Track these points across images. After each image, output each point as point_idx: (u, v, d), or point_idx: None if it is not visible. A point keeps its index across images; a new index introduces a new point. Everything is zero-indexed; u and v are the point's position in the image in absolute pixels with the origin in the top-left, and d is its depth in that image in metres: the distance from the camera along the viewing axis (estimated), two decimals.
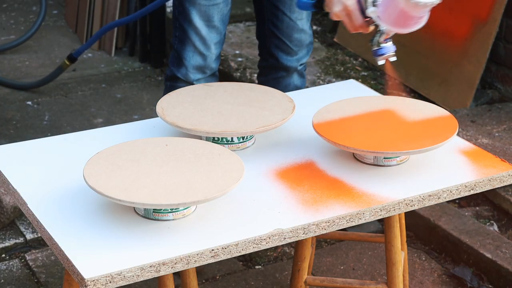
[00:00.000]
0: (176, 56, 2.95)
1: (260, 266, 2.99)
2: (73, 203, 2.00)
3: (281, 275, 2.94)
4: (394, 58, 2.25)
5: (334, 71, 4.21)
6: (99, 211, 1.97)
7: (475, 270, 2.93)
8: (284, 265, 2.99)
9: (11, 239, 3.08)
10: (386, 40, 2.20)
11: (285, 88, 3.13)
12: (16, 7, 5.38)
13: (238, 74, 4.19)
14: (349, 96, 2.53)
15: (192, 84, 2.92)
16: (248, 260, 3.02)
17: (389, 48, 2.22)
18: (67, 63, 4.23)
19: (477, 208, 3.23)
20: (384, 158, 2.17)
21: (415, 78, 4.03)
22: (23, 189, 2.06)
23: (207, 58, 2.90)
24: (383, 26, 2.16)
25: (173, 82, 2.97)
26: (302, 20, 2.99)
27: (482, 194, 3.26)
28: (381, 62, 2.25)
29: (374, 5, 2.17)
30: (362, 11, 2.19)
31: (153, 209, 1.93)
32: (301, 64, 3.09)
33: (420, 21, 2.12)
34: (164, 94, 2.99)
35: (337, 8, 2.22)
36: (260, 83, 3.18)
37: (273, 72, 3.10)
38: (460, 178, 2.14)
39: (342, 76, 4.15)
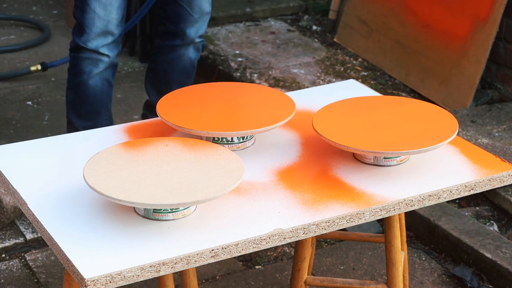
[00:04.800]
0: (77, 26, 2.93)
1: (260, 266, 2.99)
2: (73, 203, 2.00)
3: (281, 275, 2.93)
4: None
5: (334, 71, 4.21)
6: (99, 211, 1.97)
7: (475, 270, 2.93)
8: (284, 265, 2.99)
9: (11, 239, 3.08)
10: None
11: (179, 58, 3.17)
12: (16, 7, 5.38)
13: (238, 74, 4.19)
14: (349, 96, 2.53)
15: (95, 52, 2.91)
16: (248, 260, 3.02)
17: None
18: (38, 68, 4.28)
19: (477, 208, 3.23)
20: (384, 158, 2.17)
21: (415, 78, 4.03)
22: (23, 189, 2.06)
23: (108, 23, 2.90)
24: None
25: (76, 53, 2.94)
26: None
27: (482, 194, 3.26)
28: None
29: None
30: None
31: (153, 209, 1.93)
32: (199, 37, 3.15)
33: None
34: (69, 67, 3.02)
35: None
36: (157, 46, 3.22)
37: (170, 38, 3.15)
38: (460, 178, 2.14)
39: (342, 76, 4.15)
